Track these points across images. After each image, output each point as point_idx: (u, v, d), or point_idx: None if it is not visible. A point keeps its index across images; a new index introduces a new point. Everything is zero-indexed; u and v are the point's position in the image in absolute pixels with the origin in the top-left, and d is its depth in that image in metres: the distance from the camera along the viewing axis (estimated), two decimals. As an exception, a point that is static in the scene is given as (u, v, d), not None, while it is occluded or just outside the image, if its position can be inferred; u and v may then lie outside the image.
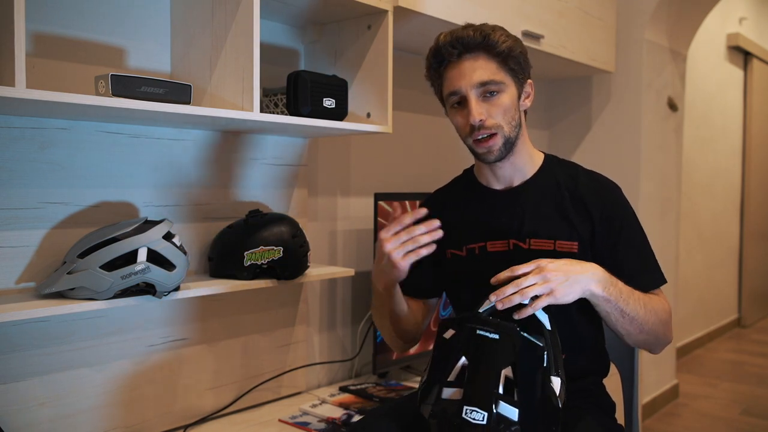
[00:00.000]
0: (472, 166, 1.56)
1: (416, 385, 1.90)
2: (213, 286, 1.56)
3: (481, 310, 1.21)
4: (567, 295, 1.19)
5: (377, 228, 2.01)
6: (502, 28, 1.39)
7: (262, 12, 1.62)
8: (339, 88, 1.69)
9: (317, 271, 1.80)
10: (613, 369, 1.64)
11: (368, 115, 1.80)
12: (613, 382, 1.58)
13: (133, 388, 1.61)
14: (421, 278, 1.56)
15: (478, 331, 1.16)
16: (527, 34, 2.30)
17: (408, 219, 1.27)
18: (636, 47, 2.98)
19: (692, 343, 4.55)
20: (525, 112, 1.46)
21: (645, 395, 3.25)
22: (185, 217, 1.70)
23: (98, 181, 1.52)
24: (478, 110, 1.34)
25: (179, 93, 1.38)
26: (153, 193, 1.62)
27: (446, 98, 1.40)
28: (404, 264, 1.27)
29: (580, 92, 3.17)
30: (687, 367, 4.15)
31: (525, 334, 1.16)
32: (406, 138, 2.39)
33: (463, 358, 1.17)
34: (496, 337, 1.14)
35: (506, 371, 1.13)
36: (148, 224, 1.39)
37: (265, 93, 1.74)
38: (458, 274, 1.47)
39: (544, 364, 1.14)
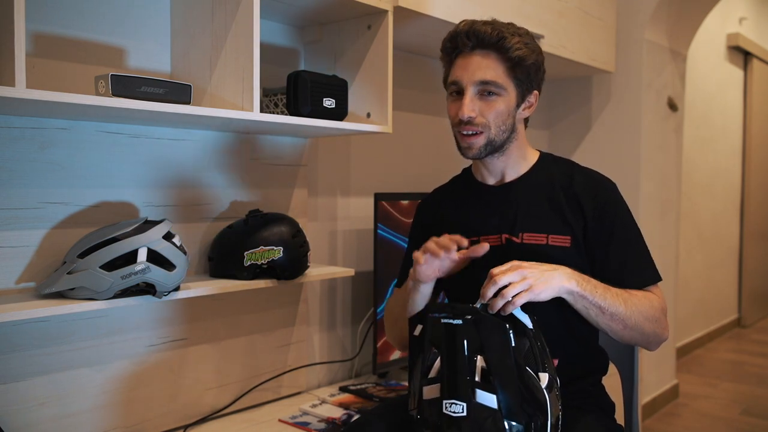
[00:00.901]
0: (470, 165, 1.57)
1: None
2: (213, 286, 1.56)
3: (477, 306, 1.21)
4: (544, 291, 1.21)
5: (377, 228, 2.01)
6: (524, 35, 1.38)
7: (262, 12, 1.62)
8: (339, 88, 1.69)
9: (317, 271, 1.80)
10: (612, 369, 1.64)
11: (368, 115, 1.81)
12: (612, 382, 1.58)
13: (133, 388, 1.61)
14: None
15: (443, 320, 1.16)
16: (527, 34, 2.30)
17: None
18: (636, 47, 2.98)
19: (692, 343, 4.55)
20: (526, 119, 1.46)
21: (645, 395, 3.25)
22: (185, 217, 1.70)
23: (98, 181, 1.52)
24: (470, 106, 1.35)
25: (179, 93, 1.38)
26: (153, 193, 1.62)
27: (448, 85, 1.42)
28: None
29: (580, 92, 3.17)
30: (687, 367, 4.15)
31: (487, 313, 1.16)
32: (406, 138, 2.39)
33: (436, 351, 1.16)
34: (460, 322, 1.14)
35: (480, 362, 1.12)
36: (148, 224, 1.39)
37: (265, 93, 1.74)
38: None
39: (512, 344, 1.13)
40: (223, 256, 1.66)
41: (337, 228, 2.16)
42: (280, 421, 1.79)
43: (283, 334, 1.96)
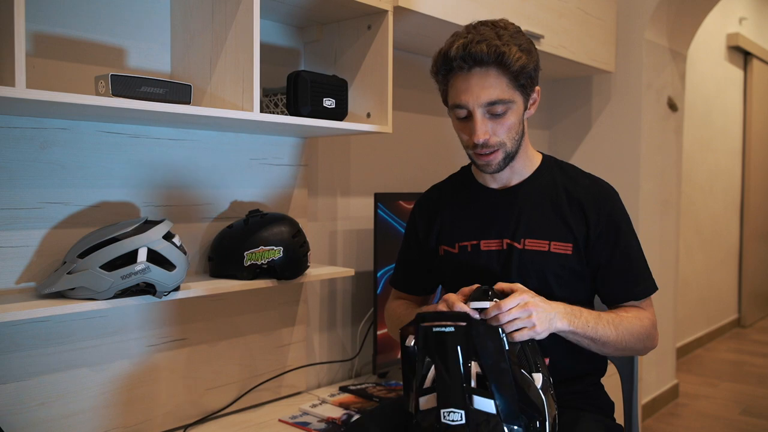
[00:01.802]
0: (470, 164, 1.55)
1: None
2: (213, 286, 1.56)
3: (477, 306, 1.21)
4: (544, 332, 1.22)
5: (377, 228, 2.01)
6: (516, 35, 1.33)
7: (262, 12, 1.63)
8: (339, 88, 1.69)
9: (317, 271, 1.80)
10: (612, 369, 1.64)
11: (368, 115, 1.81)
12: (612, 382, 1.58)
13: (133, 388, 1.61)
14: (418, 275, 1.57)
15: (434, 329, 1.15)
16: (527, 34, 2.29)
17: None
18: (636, 47, 2.98)
19: (692, 343, 4.55)
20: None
21: (645, 395, 3.25)
22: (185, 217, 1.70)
23: (98, 181, 1.52)
24: (483, 129, 1.32)
25: (179, 93, 1.38)
26: (153, 193, 1.62)
27: (451, 107, 1.37)
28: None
29: (580, 92, 3.17)
30: (687, 367, 4.15)
31: (478, 317, 1.16)
32: (406, 138, 2.39)
33: (429, 360, 1.15)
34: (451, 329, 1.13)
35: (475, 368, 1.12)
36: (148, 224, 1.39)
37: (265, 93, 1.74)
38: (451, 270, 1.48)
39: (506, 347, 1.13)
40: (223, 256, 1.66)
41: (337, 228, 2.16)
42: (280, 421, 1.79)
43: (283, 334, 1.96)
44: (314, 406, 1.88)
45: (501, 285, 1.26)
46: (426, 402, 1.14)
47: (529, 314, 1.19)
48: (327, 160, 2.12)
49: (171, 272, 1.38)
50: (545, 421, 1.12)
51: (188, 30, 1.59)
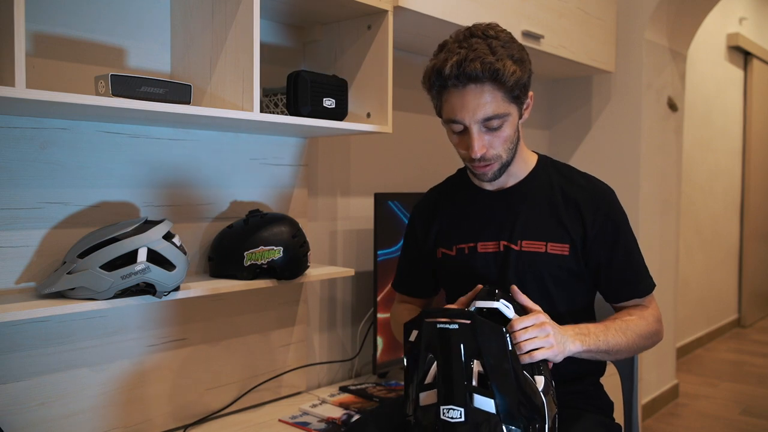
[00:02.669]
0: (466, 166, 1.55)
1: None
2: (213, 286, 1.56)
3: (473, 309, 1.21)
4: (560, 355, 1.21)
5: (377, 228, 2.01)
6: (508, 45, 1.30)
7: (261, 12, 1.63)
8: (339, 88, 1.69)
9: (317, 271, 1.80)
10: (612, 369, 1.64)
11: (368, 115, 1.81)
12: (612, 382, 1.58)
13: (133, 388, 1.61)
14: (418, 278, 1.57)
15: (438, 326, 1.14)
16: (527, 34, 2.30)
17: None
18: (636, 47, 2.98)
19: (692, 343, 4.55)
20: None
21: (645, 395, 3.25)
22: (185, 217, 1.70)
23: (98, 181, 1.52)
24: (480, 144, 1.31)
25: (179, 93, 1.38)
26: (153, 193, 1.62)
27: (446, 121, 1.37)
28: None
29: (580, 92, 3.17)
30: (687, 367, 4.15)
31: (482, 318, 1.15)
32: (406, 138, 2.39)
33: (431, 357, 1.15)
34: (456, 327, 1.13)
35: (477, 366, 1.11)
36: (148, 224, 1.39)
37: (265, 93, 1.74)
38: (449, 273, 1.48)
39: (510, 348, 1.12)
40: (223, 256, 1.66)
41: (337, 228, 2.16)
42: (280, 421, 1.79)
43: (283, 334, 1.96)
44: (314, 406, 1.88)
45: (518, 321, 1.21)
46: (426, 398, 1.14)
47: (547, 334, 1.18)
48: (327, 160, 2.12)
49: (171, 272, 1.38)
50: (545, 423, 1.12)
51: (188, 30, 1.59)
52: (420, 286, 1.58)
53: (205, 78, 1.55)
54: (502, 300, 1.21)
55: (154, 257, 1.36)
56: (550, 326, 1.20)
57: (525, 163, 1.45)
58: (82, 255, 1.34)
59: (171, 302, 1.67)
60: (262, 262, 1.64)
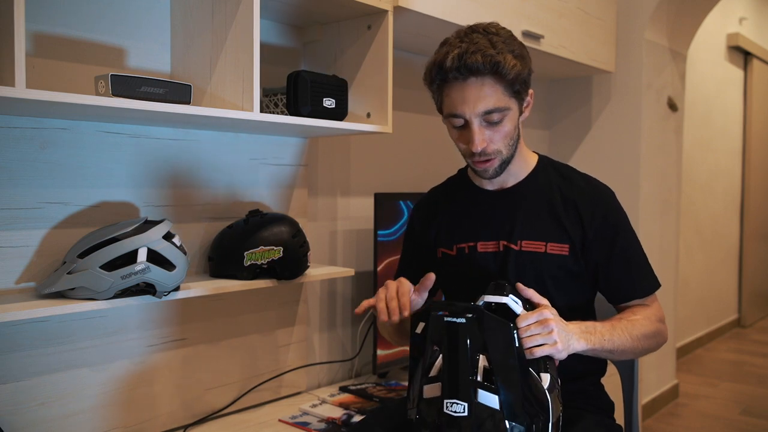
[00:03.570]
0: (467, 166, 1.56)
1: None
2: (213, 286, 1.56)
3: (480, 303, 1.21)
4: (563, 352, 1.19)
5: (377, 228, 2.01)
6: (509, 40, 1.31)
7: (261, 12, 1.62)
8: (339, 88, 1.69)
9: (317, 271, 1.80)
10: (612, 369, 1.64)
11: (368, 115, 1.81)
12: (612, 382, 1.58)
13: (133, 388, 1.61)
14: (418, 278, 1.57)
15: (445, 319, 1.14)
16: (527, 34, 2.30)
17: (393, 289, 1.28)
18: (636, 47, 2.98)
19: (692, 343, 4.55)
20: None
21: (645, 395, 3.25)
22: (185, 217, 1.70)
23: (98, 181, 1.52)
24: (480, 138, 1.32)
25: (179, 93, 1.38)
26: (153, 193, 1.62)
27: (446, 116, 1.37)
28: (394, 319, 1.26)
29: (580, 92, 3.17)
30: (687, 367, 4.15)
31: (490, 313, 1.14)
32: (406, 138, 2.39)
33: (437, 349, 1.15)
34: (463, 321, 1.13)
35: (483, 361, 1.11)
36: (148, 224, 1.39)
37: (265, 93, 1.74)
38: (449, 272, 1.48)
39: (516, 344, 1.12)
40: (223, 256, 1.66)
41: (337, 228, 2.16)
42: (280, 421, 1.79)
43: (283, 334, 1.96)
44: (314, 406, 1.88)
45: (523, 318, 1.19)
46: (430, 390, 1.14)
47: (550, 330, 1.17)
48: (327, 160, 2.12)
49: (171, 272, 1.38)
50: (549, 421, 1.12)
51: (188, 30, 1.59)
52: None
53: (205, 78, 1.55)
54: (511, 295, 1.21)
55: (154, 257, 1.36)
56: (555, 323, 1.19)
57: (525, 163, 1.46)
58: (82, 255, 1.34)
59: (171, 302, 1.67)
60: (262, 262, 1.64)
